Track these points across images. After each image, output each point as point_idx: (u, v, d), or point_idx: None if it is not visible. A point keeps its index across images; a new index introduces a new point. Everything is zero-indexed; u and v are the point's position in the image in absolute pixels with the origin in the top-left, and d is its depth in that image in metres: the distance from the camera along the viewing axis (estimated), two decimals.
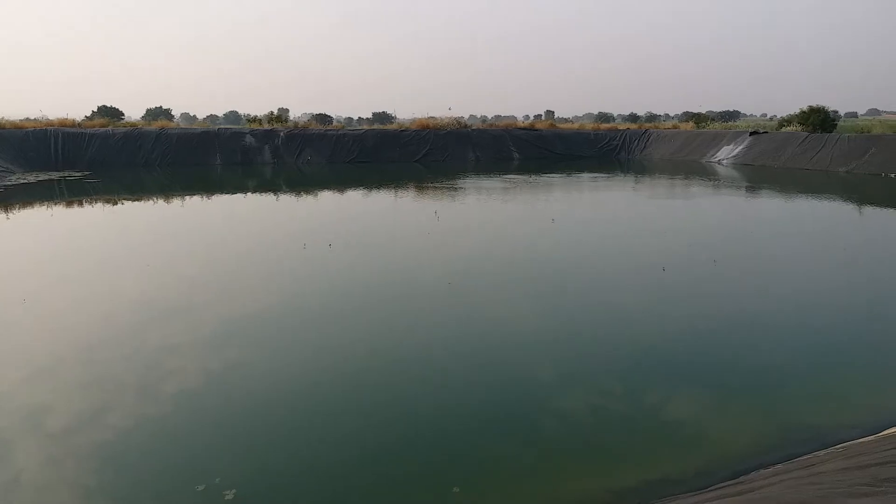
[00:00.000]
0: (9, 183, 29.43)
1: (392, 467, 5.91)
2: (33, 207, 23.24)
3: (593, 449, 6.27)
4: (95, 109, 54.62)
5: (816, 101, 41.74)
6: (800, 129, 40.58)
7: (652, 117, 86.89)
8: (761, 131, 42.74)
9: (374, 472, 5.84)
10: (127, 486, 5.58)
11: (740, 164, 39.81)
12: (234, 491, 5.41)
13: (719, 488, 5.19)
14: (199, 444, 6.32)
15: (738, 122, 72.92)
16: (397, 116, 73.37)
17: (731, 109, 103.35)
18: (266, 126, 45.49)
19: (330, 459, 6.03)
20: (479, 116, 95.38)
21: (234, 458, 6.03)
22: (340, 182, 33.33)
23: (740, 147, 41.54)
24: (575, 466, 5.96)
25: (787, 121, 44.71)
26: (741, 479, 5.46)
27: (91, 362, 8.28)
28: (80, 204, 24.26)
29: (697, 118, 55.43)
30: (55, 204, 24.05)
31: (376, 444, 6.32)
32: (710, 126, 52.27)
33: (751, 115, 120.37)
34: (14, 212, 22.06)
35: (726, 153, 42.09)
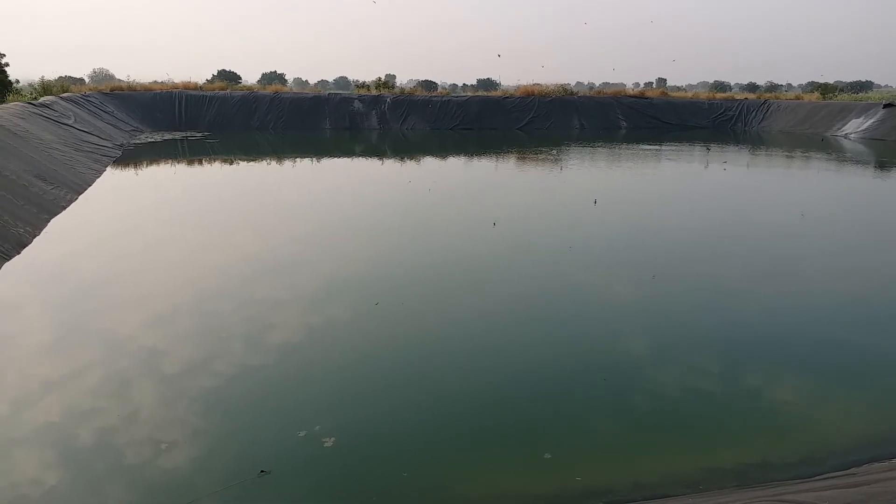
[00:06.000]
0: (138, 141, 31.49)
1: (485, 431, 5.98)
2: (159, 165, 24.81)
3: (689, 427, 6.09)
4: (215, 73, 57.27)
5: None
6: None
7: (772, 87, 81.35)
8: None
9: (467, 434, 5.93)
10: (234, 428, 5.95)
11: (870, 138, 36.72)
12: (333, 439, 5.67)
13: (830, 478, 4.92)
14: (300, 393, 6.63)
15: (869, 94, 67.19)
16: (501, 83, 72.56)
17: (864, 80, 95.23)
18: (374, 92, 46.15)
19: (425, 418, 6.17)
20: (585, 83, 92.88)
21: (333, 408, 6.30)
22: (442, 148, 33.53)
23: (871, 120, 38.26)
24: (669, 443, 5.81)
25: None
26: (852, 470, 5.15)
27: (204, 313, 8.83)
28: (200, 163, 25.68)
29: (824, 89, 51.36)
30: (178, 162, 25.58)
31: (471, 407, 6.42)
32: (838, 97, 48.48)
33: (886, 85, 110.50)
34: (142, 168, 23.66)
35: (854, 126, 38.94)
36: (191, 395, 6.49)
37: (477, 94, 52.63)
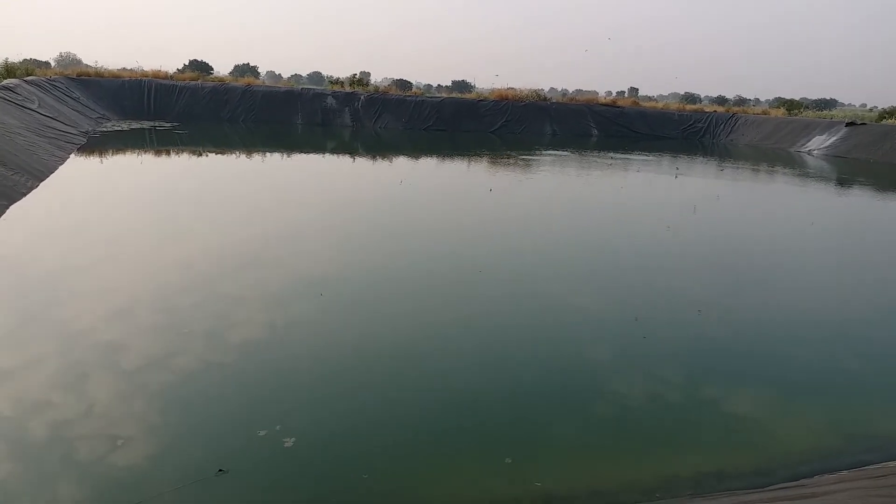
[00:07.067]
0: (104, 129, 30.85)
1: (447, 434, 5.99)
2: (124, 154, 24.33)
3: (647, 435, 6.17)
4: (187, 63, 56.33)
5: None
6: None
7: (741, 101, 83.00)
8: (858, 122, 40.30)
9: (429, 437, 5.93)
10: (192, 426, 5.86)
11: (832, 155, 37.64)
12: (293, 439, 5.62)
13: (778, 489, 5.04)
14: (261, 392, 6.54)
15: (833, 112, 68.95)
16: (476, 86, 72.74)
17: (828, 98, 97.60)
18: (347, 89, 45.90)
19: (387, 420, 6.15)
20: (559, 90, 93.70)
21: (294, 408, 6.23)
22: (416, 148, 33.54)
23: (834, 138, 39.28)
24: (627, 450, 5.89)
25: (888, 112, 42.06)
26: (802, 482, 5.28)
27: (165, 307, 8.67)
28: (168, 153, 25.24)
29: (790, 105, 52.65)
30: (144, 152, 25.10)
31: (433, 410, 6.41)
32: (804, 114, 49.67)
33: (849, 104, 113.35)
34: (107, 156, 23.19)
35: (818, 143, 39.93)
36: (149, 391, 6.37)
37: (451, 95, 52.72)
